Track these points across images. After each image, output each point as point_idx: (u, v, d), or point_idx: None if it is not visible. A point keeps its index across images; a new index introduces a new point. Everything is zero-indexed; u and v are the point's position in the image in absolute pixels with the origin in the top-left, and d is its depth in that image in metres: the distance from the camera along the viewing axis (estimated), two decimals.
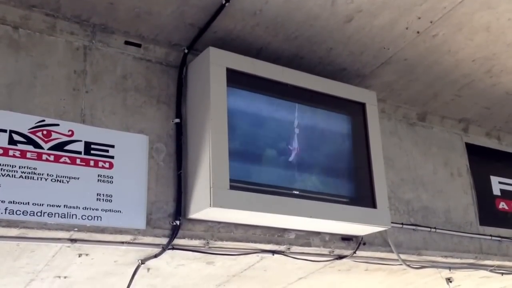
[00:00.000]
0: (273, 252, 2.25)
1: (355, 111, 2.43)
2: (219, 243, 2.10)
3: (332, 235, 2.35)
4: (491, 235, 2.87)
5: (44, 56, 1.96)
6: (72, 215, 1.83)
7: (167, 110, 2.15)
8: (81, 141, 1.92)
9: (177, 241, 2.02)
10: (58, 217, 1.80)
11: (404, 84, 2.68)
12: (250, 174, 2.06)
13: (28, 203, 1.77)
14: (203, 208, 1.94)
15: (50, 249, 1.95)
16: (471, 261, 2.81)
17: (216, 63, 2.08)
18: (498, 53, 2.46)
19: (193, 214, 2.00)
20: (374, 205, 2.30)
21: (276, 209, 2.05)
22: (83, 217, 1.84)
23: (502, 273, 2.96)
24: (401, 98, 2.79)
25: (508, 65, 2.56)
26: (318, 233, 2.31)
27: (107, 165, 1.94)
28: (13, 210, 1.75)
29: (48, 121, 1.90)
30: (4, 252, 1.94)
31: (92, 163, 1.91)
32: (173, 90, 2.19)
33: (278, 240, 2.21)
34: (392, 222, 2.40)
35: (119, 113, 2.04)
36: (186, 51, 2.22)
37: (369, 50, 2.38)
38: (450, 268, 2.79)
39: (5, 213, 1.73)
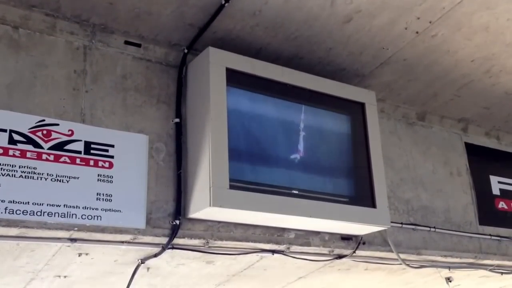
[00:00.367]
0: (273, 251, 2.25)
1: (355, 111, 2.44)
2: (219, 243, 2.11)
3: (331, 234, 2.35)
4: (490, 235, 2.87)
5: (44, 56, 1.97)
6: (72, 214, 1.83)
7: (167, 109, 2.15)
8: (81, 140, 1.92)
9: (177, 241, 2.03)
10: (58, 216, 1.80)
11: (404, 84, 2.68)
12: (249, 174, 2.06)
13: (28, 202, 1.78)
14: (202, 208, 1.95)
15: (50, 248, 1.95)
16: (471, 260, 2.81)
17: (215, 63, 2.08)
18: (497, 53, 2.46)
19: (193, 214, 2.01)
20: (373, 205, 2.30)
21: (276, 208, 2.05)
22: (83, 217, 1.84)
23: (502, 273, 2.96)
24: (401, 98, 2.80)
25: (507, 65, 2.57)
26: (317, 233, 2.32)
27: (107, 164, 1.95)
28: (13, 210, 1.75)
29: (48, 120, 1.90)
30: (4, 252, 1.94)
31: (92, 162, 1.92)
32: (173, 90, 2.19)
33: (277, 239, 2.21)
34: (391, 222, 2.40)
35: (119, 112, 2.04)
36: (186, 51, 2.22)
37: (368, 50, 2.38)
38: (449, 268, 2.80)
39: (5, 212, 1.74)
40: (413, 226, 2.64)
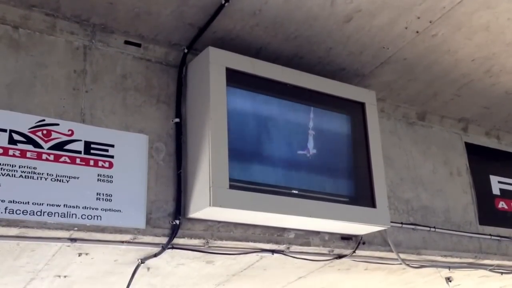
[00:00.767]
0: (273, 251, 2.25)
1: (355, 111, 2.43)
2: (219, 243, 2.11)
3: (331, 234, 2.35)
4: (490, 235, 2.87)
5: (44, 55, 1.97)
6: (72, 214, 1.83)
7: (166, 109, 2.15)
8: (81, 140, 1.92)
9: (176, 241, 2.03)
10: (58, 216, 1.80)
11: (404, 83, 2.68)
12: (249, 174, 2.06)
13: (28, 202, 1.78)
14: (202, 208, 1.95)
15: (50, 248, 1.95)
16: (471, 260, 2.81)
17: (215, 62, 2.08)
18: (498, 52, 2.46)
19: (193, 214, 2.01)
20: (373, 205, 2.30)
21: (276, 208, 2.05)
22: (83, 217, 1.84)
23: (502, 273, 2.96)
24: (401, 97, 2.80)
25: (507, 65, 2.57)
26: (317, 233, 2.32)
27: (107, 164, 1.95)
28: (13, 210, 1.75)
29: (48, 120, 1.90)
30: (4, 252, 1.94)
31: (92, 162, 1.92)
32: (173, 89, 2.19)
33: (277, 239, 2.21)
34: (391, 222, 2.40)
35: (119, 112, 2.04)
36: (185, 50, 2.22)
37: (368, 50, 2.38)
38: (449, 268, 2.80)
39: (5, 212, 1.74)
40: (413, 226, 2.63)
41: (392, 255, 2.53)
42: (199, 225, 2.05)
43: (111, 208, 1.90)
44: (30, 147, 1.84)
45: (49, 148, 1.87)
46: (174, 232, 1.99)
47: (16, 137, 1.83)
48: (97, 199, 1.88)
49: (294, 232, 2.26)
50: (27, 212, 1.77)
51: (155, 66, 2.19)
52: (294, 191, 2.13)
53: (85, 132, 1.94)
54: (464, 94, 2.81)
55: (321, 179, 2.24)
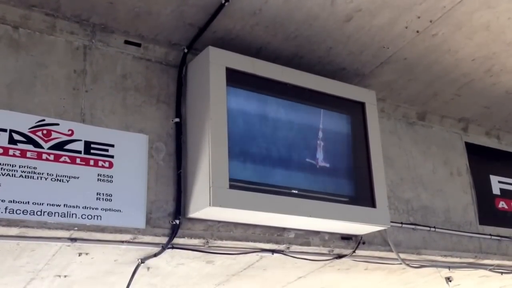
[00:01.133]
0: (273, 251, 2.25)
1: (355, 111, 2.43)
2: (219, 242, 2.11)
3: (331, 234, 2.35)
4: (490, 235, 2.87)
5: (44, 55, 1.97)
6: (72, 214, 1.83)
7: (166, 109, 2.15)
8: (81, 140, 1.92)
9: (176, 240, 2.03)
10: (58, 216, 1.81)
11: (404, 83, 2.68)
12: (249, 174, 2.06)
13: (28, 202, 1.78)
14: (202, 208, 1.95)
15: (50, 248, 1.95)
16: (471, 260, 2.81)
17: (215, 62, 2.08)
18: (498, 52, 2.46)
19: (193, 213, 2.01)
20: (373, 205, 2.30)
21: (276, 208, 2.05)
22: (83, 216, 1.85)
23: (502, 273, 2.96)
24: (401, 97, 2.80)
25: (507, 64, 2.56)
26: (317, 232, 2.32)
27: (107, 164, 1.95)
28: (13, 210, 1.75)
29: (48, 120, 1.90)
30: (5, 251, 1.94)
31: (92, 162, 1.92)
32: (173, 89, 2.19)
33: (277, 239, 2.21)
34: (391, 222, 2.40)
35: (118, 112, 2.04)
36: (185, 50, 2.22)
37: (368, 50, 2.38)
38: (449, 268, 2.80)
39: (5, 212, 1.74)
40: (413, 226, 2.63)
41: (392, 255, 2.53)
42: (199, 225, 2.05)
43: (111, 208, 1.90)
44: (30, 147, 1.84)
45: (49, 148, 1.87)
46: (174, 232, 1.99)
47: (16, 137, 1.83)
48: (97, 199, 1.88)
49: (294, 232, 2.26)
50: (27, 212, 1.77)
51: (155, 66, 2.19)
52: (294, 191, 2.13)
53: (85, 132, 1.94)
54: (464, 94, 2.80)
55: (321, 179, 2.24)
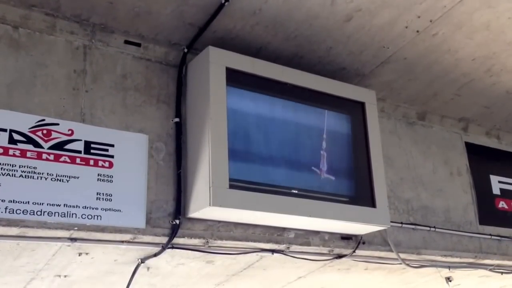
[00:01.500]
0: (273, 251, 2.25)
1: (355, 110, 2.43)
2: (219, 242, 2.11)
3: (331, 234, 2.35)
4: (490, 234, 2.87)
5: (44, 55, 1.97)
6: (72, 214, 1.83)
7: (166, 109, 2.15)
8: (81, 140, 1.92)
9: (176, 240, 2.03)
10: (58, 216, 1.81)
11: (404, 83, 2.68)
12: (249, 173, 2.06)
13: (28, 202, 1.78)
14: (202, 207, 1.95)
15: (50, 248, 1.95)
16: (471, 260, 2.81)
17: (215, 62, 2.08)
18: (498, 52, 2.46)
19: (193, 213, 2.01)
20: (373, 204, 2.30)
21: (276, 208, 2.05)
22: (83, 216, 1.85)
23: (502, 272, 2.96)
24: (401, 97, 2.80)
25: (508, 64, 2.56)
26: (317, 232, 2.32)
27: (107, 164, 1.95)
28: (13, 209, 1.75)
29: (48, 120, 1.90)
30: (5, 251, 1.94)
31: (92, 162, 1.92)
32: (173, 89, 2.19)
33: (277, 239, 2.21)
34: (391, 221, 2.40)
35: (118, 112, 2.04)
36: (185, 50, 2.22)
37: (368, 49, 2.38)
38: (449, 267, 2.80)
39: (5, 212, 1.74)
40: (413, 226, 2.63)
41: (392, 255, 2.53)
42: (199, 225, 2.05)
43: (111, 208, 1.90)
44: (30, 146, 1.84)
45: (49, 148, 1.87)
46: (174, 231, 1.99)
47: (16, 136, 1.83)
48: (97, 199, 1.88)
49: (294, 232, 2.26)
50: (27, 211, 1.77)
51: (155, 65, 2.19)
52: (294, 191, 2.13)
53: (85, 132, 1.94)
54: (465, 94, 2.80)
55: (321, 179, 2.24)
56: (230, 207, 1.95)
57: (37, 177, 1.82)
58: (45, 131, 1.88)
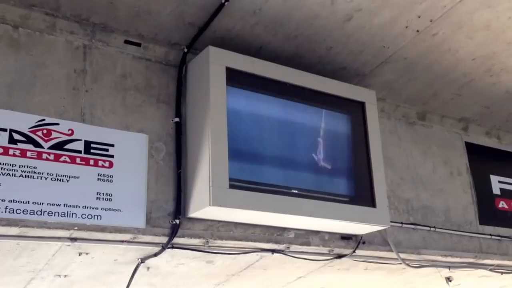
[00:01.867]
0: (273, 251, 2.25)
1: (355, 110, 2.43)
2: (219, 242, 2.11)
3: (331, 234, 2.35)
4: (490, 234, 2.87)
5: (44, 55, 1.97)
6: (72, 214, 1.83)
7: (166, 109, 2.15)
8: (81, 140, 1.92)
9: (176, 240, 2.03)
10: (58, 216, 1.81)
11: (404, 83, 2.68)
12: (249, 173, 2.06)
13: (28, 202, 1.78)
14: (202, 207, 1.95)
15: (50, 248, 1.95)
16: (471, 260, 2.81)
17: (215, 62, 2.08)
18: (498, 51, 2.46)
19: (193, 213, 2.01)
20: (373, 204, 2.30)
21: (276, 208, 2.05)
22: (83, 216, 1.85)
23: (502, 272, 2.96)
24: (401, 97, 2.79)
25: (508, 64, 2.56)
26: (317, 232, 2.32)
27: (107, 164, 1.95)
28: (13, 209, 1.75)
29: (48, 120, 1.90)
30: (5, 251, 1.94)
31: (92, 162, 1.92)
32: (173, 89, 2.19)
33: (277, 239, 2.21)
34: (391, 221, 2.40)
35: (118, 112, 2.04)
36: (185, 50, 2.22)
37: (368, 49, 2.38)
38: (449, 267, 2.79)
39: (5, 212, 1.74)
40: (413, 226, 2.63)
41: (392, 254, 2.53)
42: (199, 225, 2.05)
43: (111, 208, 1.90)
44: (30, 146, 1.84)
45: (49, 148, 1.87)
46: (174, 231, 1.99)
47: (16, 136, 1.83)
48: (97, 199, 1.89)
49: (294, 232, 2.26)
50: (27, 211, 1.77)
51: (155, 65, 2.19)
52: (294, 191, 2.12)
53: (85, 132, 1.94)
54: (465, 94, 2.80)
55: (321, 179, 2.24)
56: (230, 207, 1.95)
57: (37, 177, 1.82)
58: (45, 131, 1.88)
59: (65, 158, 1.88)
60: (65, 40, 2.02)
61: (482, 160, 3.08)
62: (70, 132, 1.92)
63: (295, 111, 2.28)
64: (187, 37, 2.19)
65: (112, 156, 1.96)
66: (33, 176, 1.81)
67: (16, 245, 1.89)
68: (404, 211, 2.67)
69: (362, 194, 2.32)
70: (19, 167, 1.80)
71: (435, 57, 2.48)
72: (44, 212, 1.79)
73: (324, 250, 2.36)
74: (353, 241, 2.41)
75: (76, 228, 1.84)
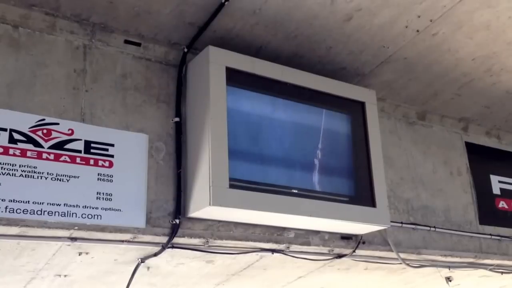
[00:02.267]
0: (273, 251, 2.25)
1: (355, 110, 2.43)
2: (219, 242, 2.11)
3: (331, 234, 2.35)
4: (490, 234, 2.87)
5: (44, 55, 1.97)
6: (72, 213, 1.83)
7: (166, 109, 2.15)
8: (81, 140, 1.92)
9: (176, 240, 2.03)
10: (58, 215, 1.81)
11: (404, 83, 2.68)
12: (249, 173, 2.06)
13: (28, 201, 1.78)
14: (202, 207, 1.95)
15: (50, 247, 1.95)
16: (471, 260, 2.81)
17: (215, 62, 2.08)
18: (498, 51, 2.46)
19: (193, 213, 2.01)
20: (373, 204, 2.30)
21: (276, 208, 2.05)
22: (83, 216, 1.85)
23: (502, 272, 2.96)
24: (401, 97, 2.80)
25: (508, 64, 2.56)
26: (317, 232, 2.32)
27: (107, 164, 1.95)
28: (13, 209, 1.75)
29: (48, 120, 1.90)
30: (5, 251, 1.94)
31: (92, 162, 1.92)
32: (173, 89, 2.19)
33: (277, 239, 2.21)
34: (391, 221, 2.40)
35: (118, 112, 2.04)
36: (185, 50, 2.22)
37: (368, 49, 2.38)
38: (449, 267, 2.80)
39: (6, 211, 1.74)
40: (413, 226, 2.63)
41: (392, 254, 2.53)
42: (199, 225, 2.05)
43: (111, 208, 1.90)
44: (30, 146, 1.84)
45: (49, 148, 1.87)
46: (174, 231, 1.99)
47: (16, 136, 1.83)
48: (97, 198, 1.89)
49: (294, 232, 2.26)
50: (27, 211, 1.77)
51: (155, 65, 2.19)
52: (294, 191, 2.13)
53: (85, 132, 1.94)
54: (465, 94, 2.80)
55: (321, 179, 2.24)
56: (230, 207, 1.95)
57: (37, 176, 1.82)
58: (45, 131, 1.88)
59: (65, 158, 1.88)
60: (65, 40, 2.02)
61: (482, 160, 3.08)
62: (70, 132, 1.92)
63: (295, 111, 2.28)
64: (187, 37, 2.19)
65: (112, 156, 1.96)
66: (33, 176, 1.81)
67: (16, 245, 1.89)
68: (404, 211, 2.67)
69: (362, 194, 2.32)
70: (19, 166, 1.80)
71: (435, 57, 2.48)
72: (44, 211, 1.79)
73: (324, 250, 2.36)
74: (353, 241, 2.41)
75: (76, 227, 1.84)
